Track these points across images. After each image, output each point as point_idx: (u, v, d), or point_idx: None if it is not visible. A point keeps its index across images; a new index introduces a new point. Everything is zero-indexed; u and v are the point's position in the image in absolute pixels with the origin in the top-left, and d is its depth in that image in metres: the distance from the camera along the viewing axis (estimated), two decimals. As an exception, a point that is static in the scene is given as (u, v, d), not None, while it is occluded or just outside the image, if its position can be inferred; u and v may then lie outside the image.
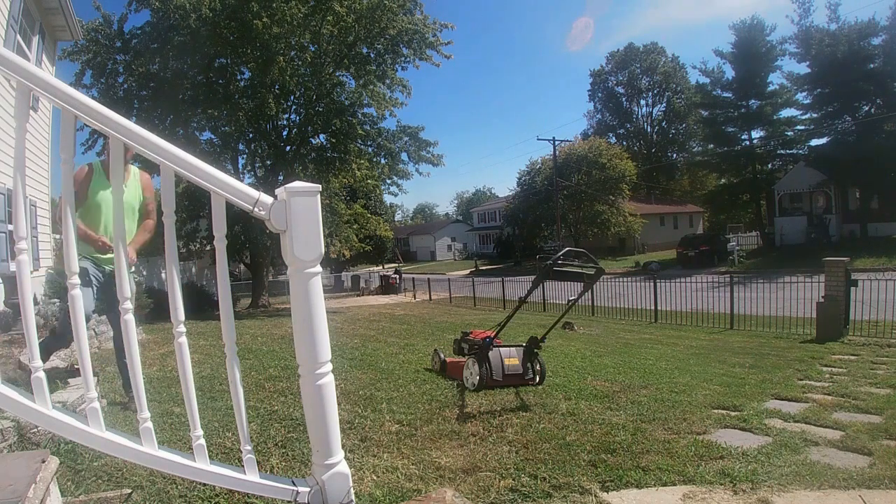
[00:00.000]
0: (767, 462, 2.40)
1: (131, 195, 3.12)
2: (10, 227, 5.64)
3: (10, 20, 6.68)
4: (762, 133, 28.31)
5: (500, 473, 2.24)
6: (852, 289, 7.47)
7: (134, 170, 3.19)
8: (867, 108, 23.98)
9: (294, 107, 15.51)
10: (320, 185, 1.69)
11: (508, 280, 16.18)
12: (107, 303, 3.14)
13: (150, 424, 1.51)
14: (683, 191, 46.90)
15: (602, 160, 34.69)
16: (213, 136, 15.80)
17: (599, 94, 53.33)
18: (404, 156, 15.51)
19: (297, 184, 1.62)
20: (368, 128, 14.92)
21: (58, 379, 2.83)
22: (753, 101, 27.02)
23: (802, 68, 25.34)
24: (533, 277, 4.23)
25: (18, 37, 7.05)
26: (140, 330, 6.40)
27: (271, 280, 20.37)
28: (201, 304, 13.09)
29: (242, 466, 1.63)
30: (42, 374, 1.40)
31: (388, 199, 41.75)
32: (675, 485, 2.14)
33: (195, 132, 15.22)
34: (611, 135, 50.44)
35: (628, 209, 35.31)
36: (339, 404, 1.85)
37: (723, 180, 33.31)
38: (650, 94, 50.97)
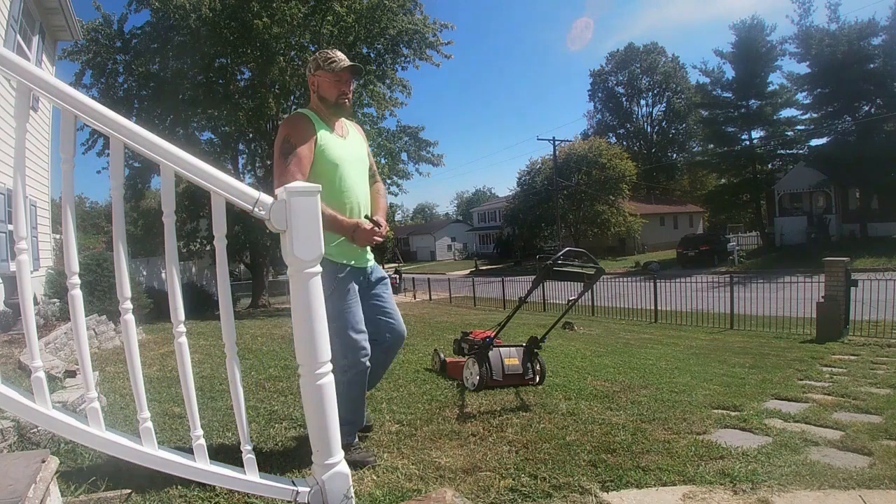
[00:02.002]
0: (767, 462, 2.40)
1: (360, 148, 2.45)
2: (10, 227, 5.64)
3: (10, 20, 6.68)
4: (762, 133, 28.34)
5: (500, 473, 2.23)
6: (852, 289, 7.47)
7: (350, 123, 2.52)
8: (867, 108, 23.99)
9: (294, 107, 15.50)
10: (320, 185, 1.69)
11: (508, 280, 16.18)
12: (369, 319, 2.38)
13: (150, 424, 1.52)
14: (683, 191, 46.89)
15: (602, 160, 34.70)
16: (213, 136, 15.81)
17: (599, 94, 53.34)
18: (404, 156, 15.52)
19: (297, 184, 1.62)
20: (368, 128, 14.91)
21: (58, 379, 2.83)
22: (753, 101, 27.03)
23: (802, 68, 25.38)
24: (533, 277, 4.23)
25: (18, 37, 7.05)
26: (140, 330, 6.41)
27: (271, 280, 20.36)
28: (201, 304, 13.08)
29: (242, 466, 1.63)
30: (42, 374, 1.40)
31: (387, 198, 41.72)
32: (675, 485, 2.14)
33: (195, 132, 15.22)
34: (611, 135, 50.45)
35: (628, 209, 35.31)
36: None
37: (723, 180, 33.31)
38: (650, 94, 51.00)
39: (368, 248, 2.40)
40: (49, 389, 1.42)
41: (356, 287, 2.30)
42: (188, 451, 1.61)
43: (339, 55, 2.31)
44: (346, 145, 2.33)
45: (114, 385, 3.59)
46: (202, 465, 1.57)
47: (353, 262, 2.30)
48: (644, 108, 51.84)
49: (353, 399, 2.27)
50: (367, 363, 2.25)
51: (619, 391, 3.86)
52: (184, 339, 1.55)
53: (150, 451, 1.50)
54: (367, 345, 2.26)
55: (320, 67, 2.29)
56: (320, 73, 2.29)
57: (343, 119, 2.42)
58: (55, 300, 6.35)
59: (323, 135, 2.24)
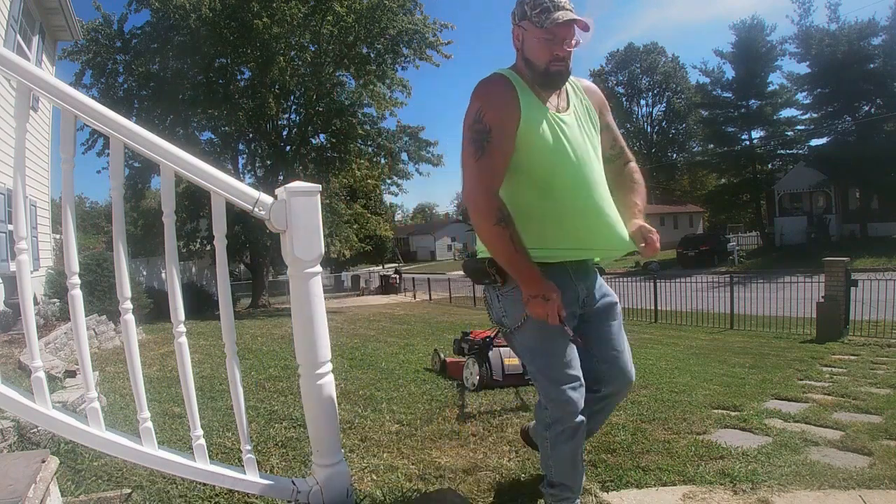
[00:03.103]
0: (767, 462, 2.40)
1: (588, 120, 1.66)
2: (10, 227, 5.64)
3: (10, 20, 6.68)
4: (762, 133, 28.31)
5: (500, 473, 2.23)
6: (852, 289, 7.46)
7: (571, 82, 1.69)
8: (867, 108, 23.98)
9: (294, 107, 15.54)
10: (320, 185, 1.69)
11: (508, 280, 16.13)
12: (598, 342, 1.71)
13: (150, 424, 1.51)
14: (683, 191, 46.87)
15: (602, 160, 34.64)
16: (213, 136, 15.84)
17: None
18: (404, 156, 15.55)
19: (296, 184, 1.62)
20: (368, 128, 14.94)
21: (58, 379, 2.83)
22: (753, 101, 27.01)
23: (802, 68, 25.36)
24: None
25: (18, 37, 7.05)
26: (140, 330, 6.41)
27: (271, 280, 20.39)
28: (201, 304, 13.08)
29: (242, 466, 1.63)
30: (42, 374, 1.40)
31: (388, 198, 41.67)
32: (675, 485, 2.14)
33: (195, 132, 15.24)
34: (611, 134, 50.36)
35: (628, 209, 35.23)
36: (339, 404, 1.85)
37: (723, 180, 33.29)
38: (650, 94, 50.94)
39: (599, 257, 1.72)
40: (49, 389, 1.42)
41: (571, 313, 1.60)
42: (188, 450, 1.60)
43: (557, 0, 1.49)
44: (567, 122, 1.57)
45: (114, 385, 3.59)
46: (202, 465, 1.57)
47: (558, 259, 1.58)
48: (644, 108, 51.81)
49: (560, 458, 1.68)
50: (579, 419, 1.60)
51: (619, 391, 3.86)
52: (184, 339, 1.55)
53: (150, 451, 1.50)
54: (579, 396, 1.57)
55: (526, 17, 1.53)
56: (526, 23, 1.54)
57: None
58: (55, 300, 6.35)
59: (529, 111, 1.51)
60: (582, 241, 1.56)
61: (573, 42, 1.51)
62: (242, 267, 20.39)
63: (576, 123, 1.60)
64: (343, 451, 1.72)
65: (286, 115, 15.65)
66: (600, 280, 1.74)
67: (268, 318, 11.33)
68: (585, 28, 1.49)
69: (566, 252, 1.57)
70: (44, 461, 1.36)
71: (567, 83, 1.63)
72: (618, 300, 1.76)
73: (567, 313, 1.52)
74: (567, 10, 1.48)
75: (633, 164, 1.81)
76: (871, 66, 22.73)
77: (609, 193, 1.61)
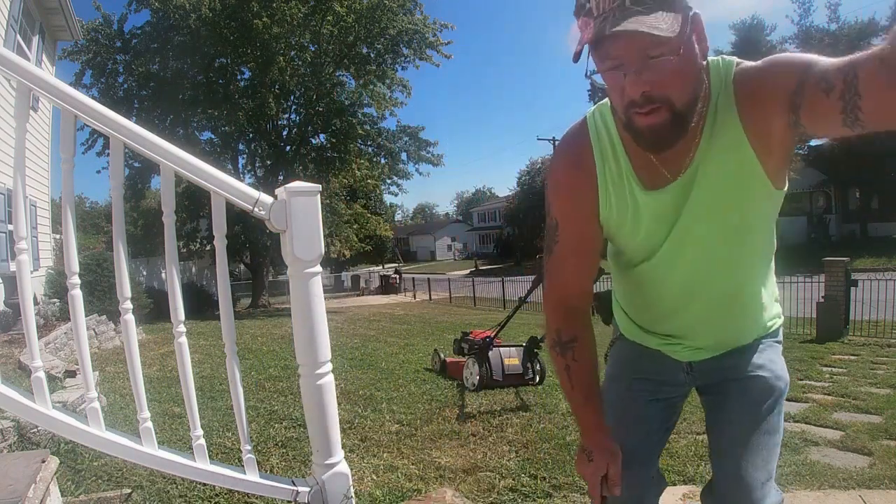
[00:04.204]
0: (767, 462, 2.40)
1: (721, 173, 0.89)
2: (10, 227, 5.64)
3: (10, 20, 6.68)
4: (762, 133, 28.30)
5: (500, 473, 2.24)
6: (852, 289, 7.46)
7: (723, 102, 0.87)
8: (867, 108, 23.97)
9: (294, 107, 15.53)
10: (320, 185, 1.69)
11: (508, 280, 16.16)
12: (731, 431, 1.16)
13: (150, 424, 1.51)
14: (683, 191, 46.89)
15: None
16: (213, 136, 15.85)
17: (599, 94, 52.99)
18: (404, 156, 15.56)
19: (297, 184, 1.62)
20: (368, 128, 14.94)
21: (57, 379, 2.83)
22: (753, 100, 27.01)
23: (802, 68, 25.35)
24: (533, 277, 4.23)
25: (18, 37, 7.05)
26: (140, 330, 6.41)
27: (271, 280, 20.39)
28: (201, 304, 13.08)
29: (242, 466, 1.63)
30: (42, 374, 1.40)
31: (388, 198, 41.77)
32: (675, 485, 2.14)
33: (195, 132, 15.26)
34: (611, 135, 50.40)
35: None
36: (339, 404, 1.85)
37: (723, 180, 33.28)
38: (650, 93, 50.99)
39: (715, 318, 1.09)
40: (49, 389, 1.41)
41: (642, 389, 1.18)
42: (188, 450, 1.60)
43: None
44: (673, 197, 0.93)
45: (114, 385, 3.59)
46: (202, 465, 1.57)
47: (643, 342, 1.17)
48: (644, 108, 51.88)
49: None
50: None
51: (619, 391, 3.86)
52: (184, 339, 1.55)
53: (150, 451, 1.50)
54: (634, 494, 1.10)
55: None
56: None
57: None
58: (55, 300, 6.35)
59: (611, 187, 0.97)
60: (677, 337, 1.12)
61: (647, 74, 0.78)
62: (242, 267, 20.40)
63: (678, 201, 0.92)
64: (343, 450, 1.72)
65: (286, 115, 15.67)
66: (761, 353, 1.18)
67: (268, 318, 11.33)
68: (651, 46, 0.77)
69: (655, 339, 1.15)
70: (44, 461, 1.36)
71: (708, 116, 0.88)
72: (776, 380, 1.17)
73: (644, 390, 1.16)
74: (625, 11, 0.75)
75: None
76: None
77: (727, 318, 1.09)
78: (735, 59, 0.89)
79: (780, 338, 1.24)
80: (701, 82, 0.85)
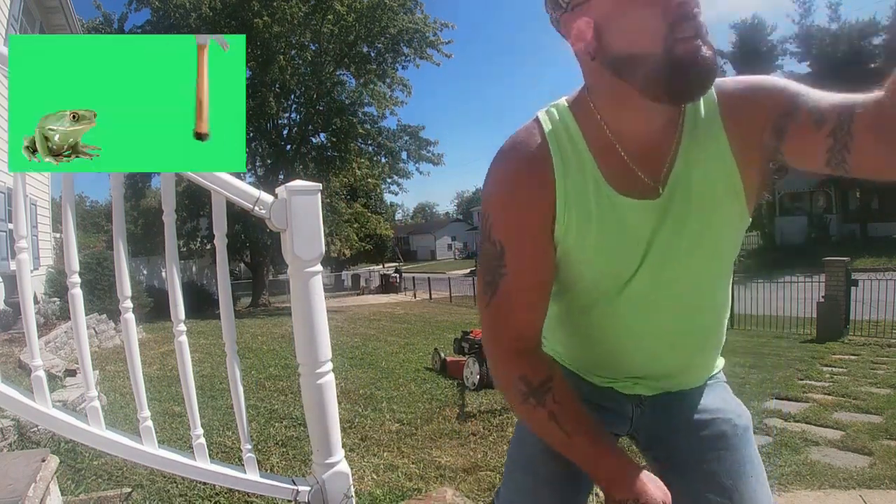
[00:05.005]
0: (768, 462, 2.39)
1: (704, 183, 0.79)
2: (11, 225, 5.64)
3: (11, 19, 6.68)
4: (762, 132, 28.30)
5: (500, 472, 2.23)
6: (852, 288, 7.46)
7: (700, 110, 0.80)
8: (868, 108, 23.98)
9: (294, 106, 15.53)
10: (321, 184, 1.69)
11: (508, 279, 16.15)
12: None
13: (150, 423, 1.51)
14: (684, 190, 46.88)
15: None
16: (213, 136, 15.81)
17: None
18: (404, 155, 15.55)
19: (297, 182, 1.62)
20: (369, 127, 14.93)
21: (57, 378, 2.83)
22: (754, 100, 27.02)
23: (803, 68, 25.39)
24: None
25: (18, 35, 7.05)
26: (140, 329, 6.41)
27: (271, 279, 20.38)
28: (201, 303, 13.09)
29: (243, 465, 1.63)
30: (42, 373, 1.40)
31: (388, 198, 41.76)
32: None
33: (195, 131, 15.23)
34: (611, 134, 50.35)
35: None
36: (339, 403, 1.85)
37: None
38: (651, 93, 50.97)
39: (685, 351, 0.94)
40: (49, 388, 1.41)
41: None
42: (188, 450, 1.60)
43: None
44: (655, 207, 0.80)
45: (114, 384, 3.59)
46: (202, 465, 1.57)
47: (595, 381, 0.97)
48: (644, 108, 51.85)
49: None
50: None
51: (620, 391, 3.86)
52: (184, 338, 1.55)
53: (150, 450, 1.50)
54: None
55: None
56: None
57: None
58: (55, 299, 6.35)
59: (572, 197, 0.80)
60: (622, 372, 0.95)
61: None
62: (243, 266, 20.41)
63: (659, 213, 0.80)
64: (343, 450, 1.72)
65: (286, 114, 15.67)
66: (712, 398, 1.03)
67: (268, 317, 11.33)
68: None
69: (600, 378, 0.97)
70: (44, 460, 1.36)
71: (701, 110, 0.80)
72: (738, 418, 1.02)
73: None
74: None
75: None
76: (872, 65, 22.73)
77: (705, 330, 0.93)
78: None
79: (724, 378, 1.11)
80: None
